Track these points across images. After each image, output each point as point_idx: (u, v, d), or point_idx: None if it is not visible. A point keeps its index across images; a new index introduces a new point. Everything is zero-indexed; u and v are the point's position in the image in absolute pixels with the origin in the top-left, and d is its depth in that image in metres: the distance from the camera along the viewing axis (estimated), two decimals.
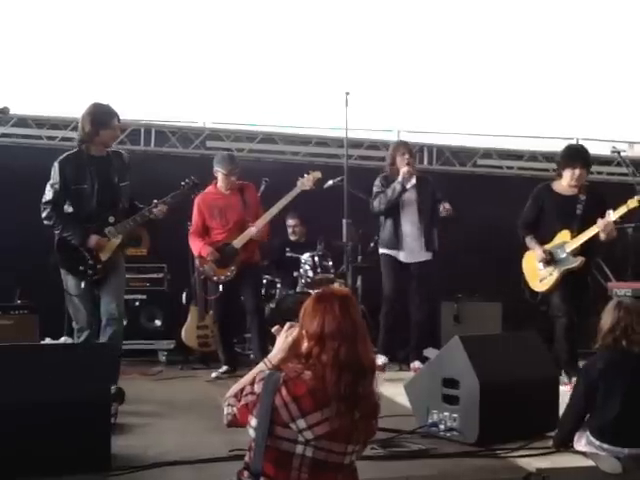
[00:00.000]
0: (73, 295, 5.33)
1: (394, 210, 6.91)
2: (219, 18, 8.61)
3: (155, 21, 8.52)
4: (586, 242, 5.98)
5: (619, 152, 5.08)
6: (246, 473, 2.73)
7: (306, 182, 6.78)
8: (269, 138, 9.15)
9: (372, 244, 7.85)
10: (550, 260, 6.10)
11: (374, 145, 9.34)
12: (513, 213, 6.66)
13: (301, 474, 2.65)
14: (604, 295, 7.18)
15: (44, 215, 5.32)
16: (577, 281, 6.09)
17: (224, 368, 6.71)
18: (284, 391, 2.64)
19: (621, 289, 6.56)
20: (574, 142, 10.03)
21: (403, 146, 7.10)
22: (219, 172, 6.76)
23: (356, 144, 9.08)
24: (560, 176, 6.28)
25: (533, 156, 9.82)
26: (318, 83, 8.52)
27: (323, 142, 9.36)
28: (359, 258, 7.90)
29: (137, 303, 7.55)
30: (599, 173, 9.73)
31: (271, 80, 8.73)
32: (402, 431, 4.41)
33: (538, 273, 6.23)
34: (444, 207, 6.82)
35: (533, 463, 3.88)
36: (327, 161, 9.14)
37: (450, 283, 8.29)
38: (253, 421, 2.70)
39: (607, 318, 3.95)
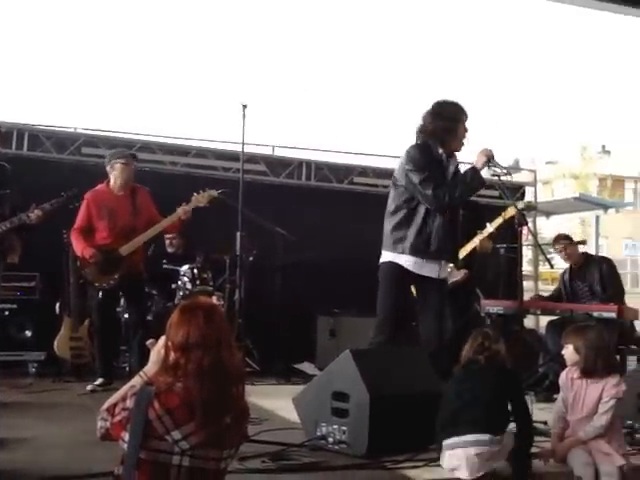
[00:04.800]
0: None
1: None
2: (102, 22, 8.47)
3: (35, 24, 8.30)
4: (467, 256, 6.24)
5: (499, 176, 5.27)
6: None
7: (201, 199, 6.67)
8: (147, 147, 9.02)
9: (251, 258, 7.88)
10: None
11: (253, 158, 9.34)
12: None
13: None
14: (476, 314, 7.47)
15: None
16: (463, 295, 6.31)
17: (100, 380, 6.49)
18: (156, 404, 2.64)
19: (493, 307, 6.81)
20: None
21: (463, 110, 5.27)
22: (118, 163, 6.52)
23: (233, 157, 9.01)
24: None
25: None
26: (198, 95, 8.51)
27: (202, 154, 9.32)
28: (237, 271, 7.85)
29: (6, 312, 7.24)
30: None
31: (154, 88, 8.65)
32: (291, 444, 4.43)
33: None
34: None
35: (421, 475, 4.00)
36: (204, 173, 9.11)
37: (326, 298, 8.41)
38: (126, 436, 2.68)
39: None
